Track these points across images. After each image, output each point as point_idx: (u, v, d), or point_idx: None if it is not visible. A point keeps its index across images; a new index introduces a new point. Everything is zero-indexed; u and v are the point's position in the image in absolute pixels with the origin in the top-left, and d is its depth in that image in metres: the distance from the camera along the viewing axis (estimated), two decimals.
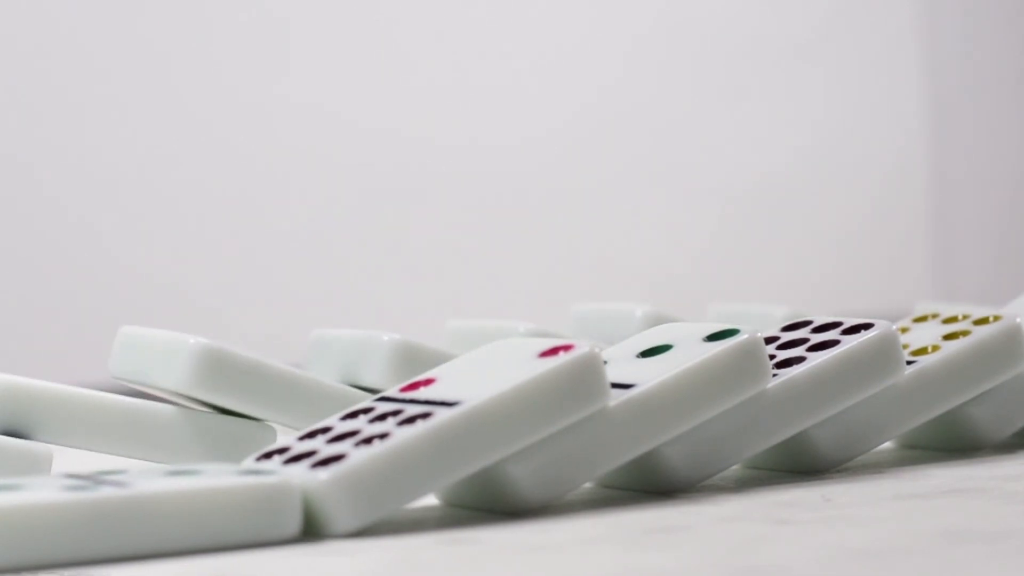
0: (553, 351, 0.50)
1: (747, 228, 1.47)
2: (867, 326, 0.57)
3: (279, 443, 0.51)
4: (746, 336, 0.53)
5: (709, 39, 1.46)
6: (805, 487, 0.55)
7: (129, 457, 0.57)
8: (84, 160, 1.21)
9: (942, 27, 1.56)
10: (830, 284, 1.49)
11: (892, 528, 0.47)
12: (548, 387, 0.49)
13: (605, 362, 0.51)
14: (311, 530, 0.47)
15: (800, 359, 0.56)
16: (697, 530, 0.48)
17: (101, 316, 1.19)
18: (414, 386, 0.52)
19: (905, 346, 0.60)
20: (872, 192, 1.53)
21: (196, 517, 0.45)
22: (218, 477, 0.46)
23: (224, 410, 0.58)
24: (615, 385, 0.51)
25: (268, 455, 0.50)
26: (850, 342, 0.56)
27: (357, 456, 0.47)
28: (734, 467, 0.58)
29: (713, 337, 0.54)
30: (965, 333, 0.60)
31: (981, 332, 0.60)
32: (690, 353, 0.53)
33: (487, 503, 0.51)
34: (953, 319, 0.62)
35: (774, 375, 0.55)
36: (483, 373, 0.50)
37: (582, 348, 0.50)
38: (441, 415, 0.48)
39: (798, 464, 0.58)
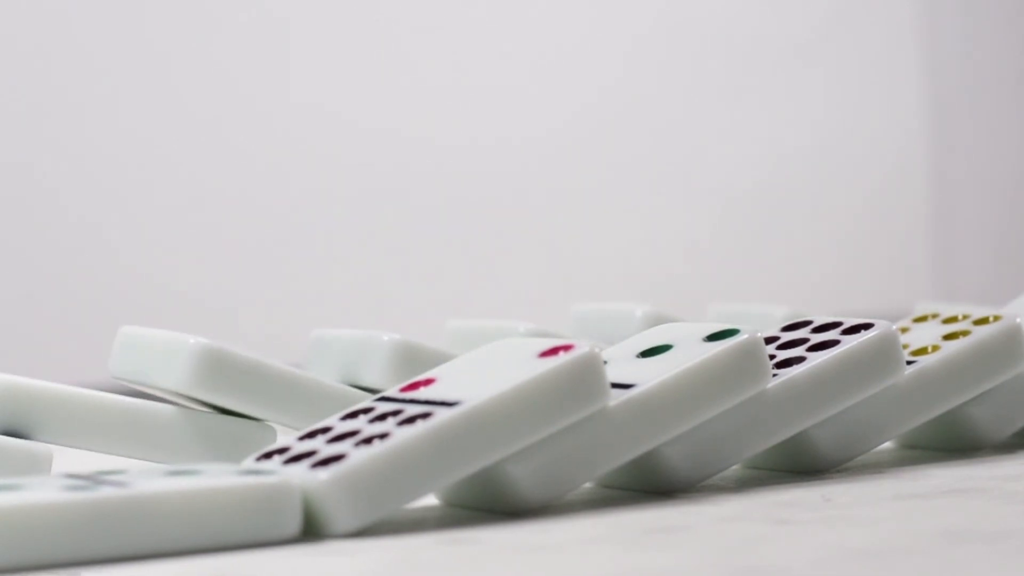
0: (553, 351, 0.50)
1: (747, 228, 1.47)
2: (867, 326, 0.57)
3: (279, 443, 0.51)
4: (746, 336, 0.53)
5: (709, 39, 1.46)
6: (805, 487, 0.55)
7: (129, 457, 0.57)
8: (84, 160, 1.21)
9: (942, 27, 1.56)
10: (830, 284, 1.49)
11: (892, 528, 0.47)
12: (548, 387, 0.49)
13: (605, 362, 0.51)
14: (311, 530, 0.47)
15: (800, 359, 0.56)
16: (697, 530, 0.48)
17: (101, 316, 1.19)
18: (414, 386, 0.52)
19: (905, 346, 0.60)
20: (872, 192, 1.53)
21: (196, 517, 0.45)
22: (218, 477, 0.46)
23: (224, 410, 0.58)
24: (615, 385, 0.51)
25: (268, 455, 0.50)
26: (850, 342, 0.56)
27: (357, 456, 0.47)
28: (734, 467, 0.58)
29: (713, 337, 0.54)
30: (965, 333, 0.60)
31: (981, 332, 0.60)
32: (690, 353, 0.53)
33: (487, 503, 0.51)
34: (953, 319, 0.62)
35: (774, 375, 0.55)
36: (483, 373, 0.50)
37: (582, 348, 0.50)
38: (441, 415, 0.48)
39: (798, 464, 0.58)
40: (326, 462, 0.47)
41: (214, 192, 1.25)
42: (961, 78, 1.57)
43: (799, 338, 0.57)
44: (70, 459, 0.57)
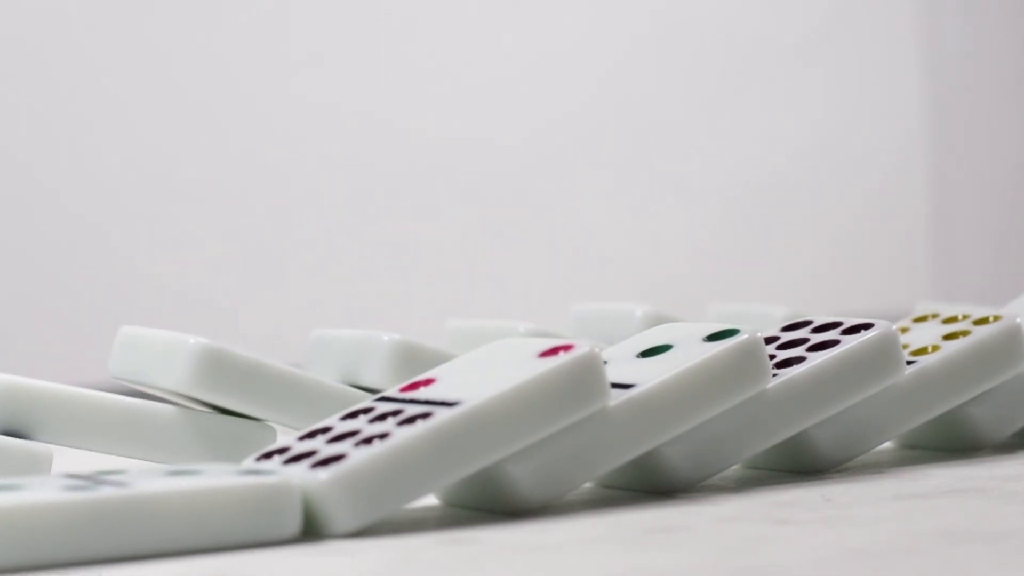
0: (553, 351, 0.50)
1: (747, 228, 1.47)
2: (867, 326, 0.57)
3: (279, 443, 0.51)
4: (746, 336, 0.53)
5: (709, 39, 1.46)
6: (805, 487, 0.55)
7: (129, 457, 0.57)
8: (84, 160, 1.21)
9: (942, 27, 1.56)
10: (830, 284, 1.49)
11: (892, 528, 0.47)
12: (548, 387, 0.49)
13: (605, 362, 0.51)
14: (311, 530, 0.47)
15: (800, 359, 0.56)
16: (697, 530, 0.48)
17: (101, 316, 1.19)
18: (414, 386, 0.52)
19: (905, 346, 0.60)
20: (872, 192, 1.53)
21: (196, 517, 0.45)
22: (218, 477, 0.46)
23: (224, 410, 0.58)
24: (615, 385, 0.51)
25: (268, 455, 0.50)
26: (850, 342, 0.56)
27: (357, 456, 0.47)
28: (734, 467, 0.58)
29: (713, 337, 0.54)
30: (965, 333, 0.60)
31: (981, 332, 0.60)
32: (690, 353, 0.53)
33: (487, 503, 0.51)
34: (953, 319, 0.62)
35: (774, 375, 0.55)
36: (483, 373, 0.50)
37: (582, 348, 0.50)
38: (441, 415, 0.48)
39: (798, 464, 0.58)
40: (326, 462, 0.47)
41: (214, 192, 1.25)
42: (961, 78, 1.57)
43: (799, 338, 0.57)
44: (70, 459, 0.57)
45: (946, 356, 0.59)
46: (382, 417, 0.49)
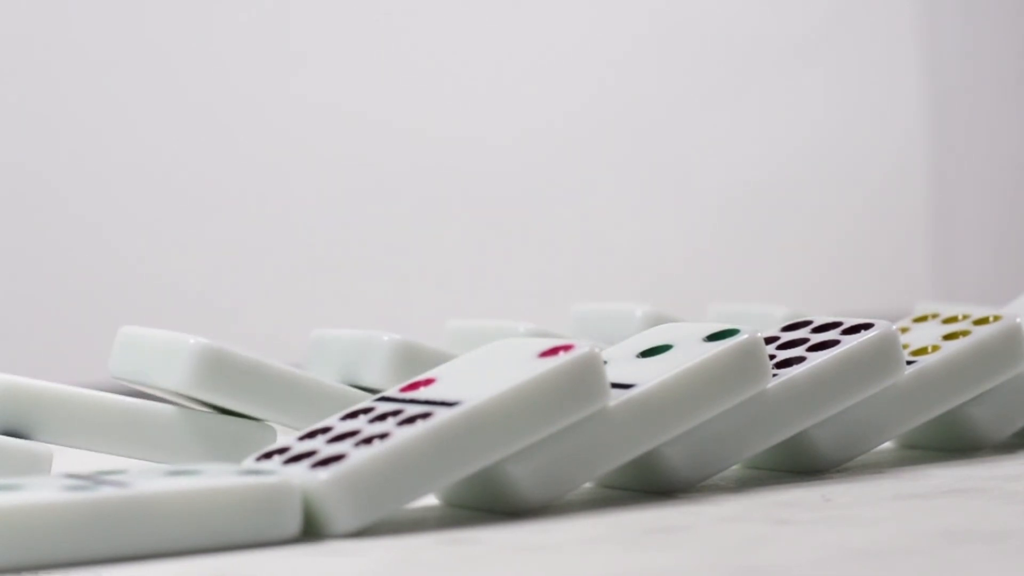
0: (553, 351, 0.50)
1: (747, 228, 1.47)
2: (867, 326, 0.57)
3: (279, 443, 0.51)
4: (746, 336, 0.53)
5: (708, 39, 1.46)
6: (805, 487, 0.55)
7: (129, 457, 0.57)
8: (84, 159, 1.21)
9: (942, 27, 1.56)
10: (830, 284, 1.49)
11: (892, 528, 0.47)
12: (548, 387, 0.49)
13: (605, 362, 0.51)
14: (311, 530, 0.47)
15: (800, 359, 0.56)
16: (697, 530, 0.48)
17: (101, 316, 1.19)
18: (414, 386, 0.52)
19: (905, 346, 0.60)
20: (872, 192, 1.53)
21: (196, 517, 0.45)
22: (218, 477, 0.46)
23: (224, 410, 0.58)
24: (615, 385, 0.51)
25: (268, 455, 0.50)
26: (850, 342, 0.56)
27: (357, 456, 0.47)
28: (734, 467, 0.58)
29: (713, 337, 0.54)
30: (965, 333, 0.60)
31: (981, 332, 0.60)
32: (690, 353, 0.53)
33: (487, 503, 0.51)
34: (953, 319, 0.62)
35: (774, 375, 0.55)
36: (483, 373, 0.50)
37: (582, 348, 0.50)
38: (441, 415, 0.48)
39: (798, 464, 0.58)
40: (326, 462, 0.47)
41: (214, 192, 1.25)
42: (961, 78, 1.57)
43: (799, 338, 0.57)
44: (70, 459, 0.57)
45: (946, 356, 0.59)
46: (382, 417, 0.49)
